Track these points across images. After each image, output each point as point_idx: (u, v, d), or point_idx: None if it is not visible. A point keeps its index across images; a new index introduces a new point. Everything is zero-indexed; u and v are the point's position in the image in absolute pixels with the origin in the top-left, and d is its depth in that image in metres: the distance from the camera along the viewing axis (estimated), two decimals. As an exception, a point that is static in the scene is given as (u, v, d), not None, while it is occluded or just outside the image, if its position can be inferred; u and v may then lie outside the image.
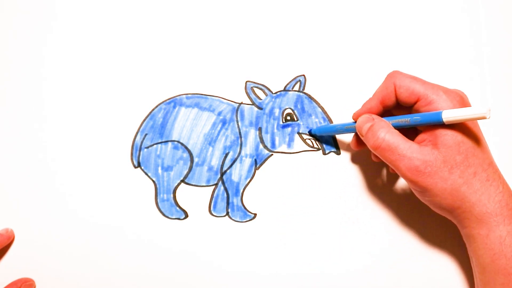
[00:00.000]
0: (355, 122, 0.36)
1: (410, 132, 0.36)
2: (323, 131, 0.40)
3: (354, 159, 0.41)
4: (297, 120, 0.42)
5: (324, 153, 0.41)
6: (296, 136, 0.41)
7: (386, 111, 0.36)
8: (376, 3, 0.44)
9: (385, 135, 0.33)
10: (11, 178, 0.41)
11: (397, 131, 0.33)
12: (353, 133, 0.38)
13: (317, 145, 0.41)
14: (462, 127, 0.32)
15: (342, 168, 0.41)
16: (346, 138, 0.42)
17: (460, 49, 0.43)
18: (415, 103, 0.33)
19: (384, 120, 0.34)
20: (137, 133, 0.42)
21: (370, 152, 0.41)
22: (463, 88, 0.42)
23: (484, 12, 0.44)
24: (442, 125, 0.31)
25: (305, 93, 0.42)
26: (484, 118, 0.29)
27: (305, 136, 0.41)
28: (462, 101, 0.32)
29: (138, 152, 0.41)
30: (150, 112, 0.42)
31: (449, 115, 0.30)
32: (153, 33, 0.44)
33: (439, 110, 0.31)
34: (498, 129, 0.42)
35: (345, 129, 0.38)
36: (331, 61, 0.43)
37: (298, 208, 0.40)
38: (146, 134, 0.42)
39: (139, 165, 0.41)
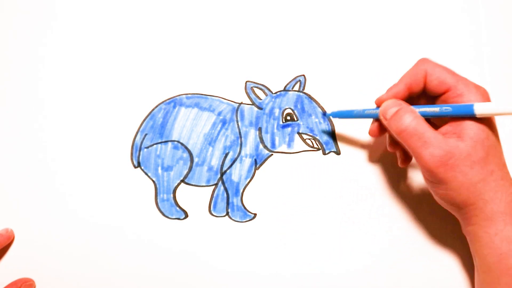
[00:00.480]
0: (378, 107, 0.35)
1: (432, 125, 0.35)
2: (341, 115, 0.39)
3: (354, 159, 0.41)
4: (297, 120, 0.42)
5: (324, 153, 0.41)
6: (296, 136, 0.41)
7: (410, 99, 0.35)
8: (376, 3, 0.44)
9: (411, 120, 0.32)
10: (11, 178, 0.41)
11: (423, 119, 0.32)
12: (372, 119, 0.37)
13: (317, 145, 0.41)
14: (488, 123, 0.32)
15: (342, 168, 0.41)
16: (346, 138, 0.42)
17: (460, 49, 0.43)
18: (443, 93, 0.33)
19: (410, 106, 0.33)
20: (137, 133, 0.42)
21: (370, 152, 0.41)
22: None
23: (484, 12, 0.44)
24: (471, 118, 0.31)
25: (305, 93, 0.42)
26: None
27: (305, 136, 0.41)
28: (488, 98, 0.32)
29: (138, 152, 0.41)
30: (150, 112, 0.42)
31: (481, 108, 0.30)
32: (153, 33, 0.44)
33: (470, 103, 0.31)
34: (498, 129, 0.42)
35: (365, 114, 0.37)
36: (331, 61, 0.43)
37: (298, 208, 0.40)
38: (146, 134, 0.42)
39: (139, 165, 0.41)
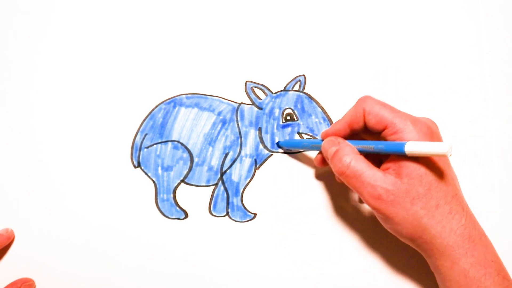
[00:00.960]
0: (322, 140, 0.36)
1: (377, 157, 0.36)
2: (290, 145, 0.40)
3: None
4: (297, 120, 0.42)
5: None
6: (296, 136, 0.41)
7: (355, 134, 0.36)
8: (376, 3, 0.44)
9: (350, 161, 0.32)
10: (11, 178, 0.41)
11: (362, 157, 0.33)
12: (318, 151, 0.38)
13: (317, 145, 0.41)
14: (426, 160, 0.31)
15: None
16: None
17: (460, 49, 0.43)
18: (383, 130, 0.33)
19: (349, 144, 0.34)
20: (137, 133, 0.42)
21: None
22: (463, 88, 0.43)
23: (484, 12, 0.44)
24: (406, 156, 0.31)
25: (305, 93, 0.42)
26: (445, 155, 0.29)
27: (305, 136, 0.41)
28: (430, 132, 0.32)
29: (138, 152, 0.41)
30: (150, 112, 0.42)
31: (411, 148, 0.30)
32: (153, 33, 0.44)
33: (405, 140, 0.31)
34: (498, 129, 0.42)
35: (311, 147, 0.38)
36: (331, 61, 0.43)
37: (298, 208, 0.40)
38: (146, 134, 0.42)
39: (139, 165, 0.41)
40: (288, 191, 0.41)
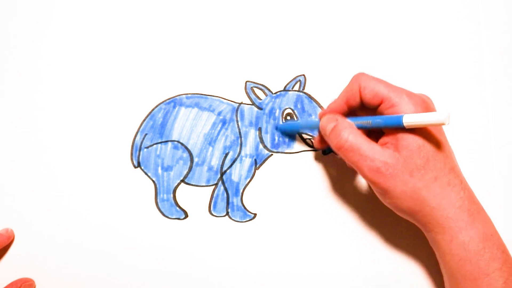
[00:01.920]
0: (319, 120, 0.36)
1: (374, 133, 0.36)
2: (289, 128, 0.41)
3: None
4: (297, 120, 0.42)
5: (324, 153, 0.41)
6: (296, 136, 0.41)
7: (351, 112, 0.36)
8: (376, 3, 0.44)
9: (348, 135, 0.33)
10: (11, 178, 0.41)
11: (360, 132, 0.33)
12: (318, 132, 0.38)
13: (317, 145, 0.41)
14: (423, 131, 0.32)
15: (342, 168, 0.41)
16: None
17: (460, 49, 0.43)
18: (379, 105, 0.33)
19: (347, 120, 0.34)
20: (137, 133, 0.42)
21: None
22: (463, 89, 0.43)
23: (484, 12, 0.44)
24: (403, 128, 0.31)
25: (305, 93, 0.42)
26: (443, 124, 0.29)
27: (305, 136, 0.41)
28: (425, 105, 0.32)
29: (138, 152, 0.41)
30: (150, 112, 0.42)
31: (409, 119, 0.30)
32: (153, 33, 0.44)
33: (401, 113, 0.31)
34: (498, 129, 0.42)
35: (310, 128, 0.38)
36: (331, 61, 0.43)
37: (298, 208, 0.40)
38: (146, 134, 0.42)
39: (139, 165, 0.41)
40: (288, 191, 0.41)
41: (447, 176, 0.31)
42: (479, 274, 0.30)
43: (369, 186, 0.41)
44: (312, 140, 0.41)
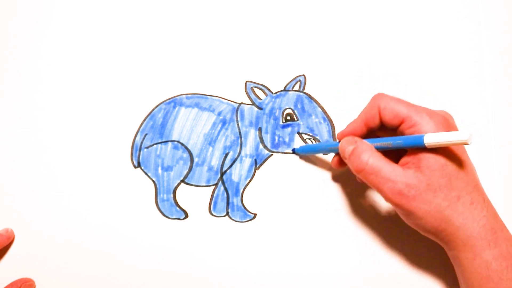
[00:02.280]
0: (339, 142, 0.36)
1: (394, 154, 0.35)
2: (307, 150, 0.40)
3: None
4: (297, 120, 0.42)
5: (324, 153, 0.41)
6: (296, 136, 0.41)
7: (371, 132, 0.36)
8: (376, 4, 0.44)
9: (368, 158, 0.32)
10: (11, 178, 0.41)
11: (380, 154, 0.33)
12: (335, 153, 0.38)
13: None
14: (445, 150, 0.31)
15: (343, 169, 0.41)
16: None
17: (460, 49, 0.43)
18: (399, 125, 0.33)
19: (366, 142, 0.34)
20: (137, 133, 0.42)
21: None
22: (463, 89, 0.43)
23: (484, 12, 0.44)
24: (425, 148, 0.31)
25: (305, 93, 0.42)
26: (465, 143, 0.28)
27: (305, 136, 0.41)
28: (446, 123, 0.32)
29: (138, 152, 0.41)
30: (150, 112, 0.42)
31: (430, 139, 0.30)
32: (153, 33, 0.44)
33: (422, 133, 0.31)
34: (498, 129, 0.42)
35: (328, 150, 0.38)
36: (331, 61, 0.43)
37: (298, 208, 0.40)
38: (146, 134, 0.42)
39: (139, 165, 0.41)
40: (288, 191, 0.41)
41: (470, 195, 0.31)
42: None
43: (369, 187, 0.41)
44: (312, 140, 0.41)
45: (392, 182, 0.31)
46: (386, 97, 0.34)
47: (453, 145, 0.30)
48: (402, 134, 0.33)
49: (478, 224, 0.31)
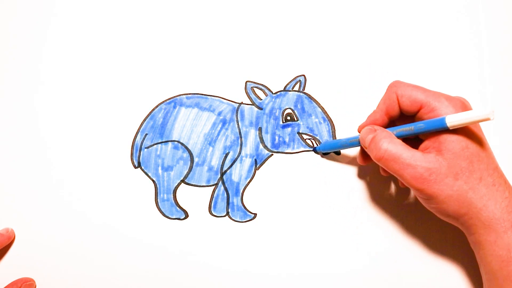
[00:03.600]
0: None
1: (414, 141, 0.35)
2: (328, 147, 0.40)
3: (354, 159, 0.41)
4: (297, 120, 0.42)
5: (324, 153, 0.41)
6: (296, 136, 0.41)
7: (391, 122, 0.36)
8: (376, 3, 0.44)
9: (387, 145, 0.32)
10: (11, 178, 0.41)
11: (399, 141, 0.33)
12: (359, 148, 0.38)
13: (317, 145, 0.41)
14: (466, 132, 0.31)
15: (342, 168, 0.41)
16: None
17: (460, 49, 0.43)
18: (418, 111, 0.33)
19: (386, 130, 0.34)
20: (137, 133, 0.42)
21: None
22: (463, 89, 0.43)
23: (484, 12, 0.44)
24: (446, 131, 0.31)
25: (305, 93, 0.42)
26: (488, 119, 0.28)
27: (305, 136, 0.41)
28: (464, 106, 0.32)
29: (138, 152, 0.41)
30: (150, 112, 0.42)
31: (452, 119, 0.30)
32: (153, 33, 0.44)
33: (442, 116, 0.31)
34: (498, 129, 0.42)
35: (349, 143, 0.38)
36: (331, 61, 0.43)
37: (298, 208, 0.40)
38: (146, 134, 0.42)
39: (139, 165, 0.41)
40: (288, 191, 0.41)
41: (491, 176, 0.31)
42: None
43: (370, 185, 0.41)
44: (312, 140, 0.41)
45: (412, 167, 0.31)
46: (403, 84, 0.34)
47: (476, 122, 0.30)
48: (421, 120, 0.33)
49: (500, 206, 0.31)
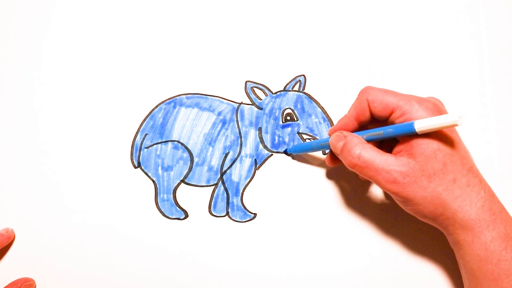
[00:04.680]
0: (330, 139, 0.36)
1: (387, 145, 0.36)
2: (299, 149, 0.40)
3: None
4: (297, 120, 0.42)
5: (324, 153, 0.41)
6: (296, 136, 0.41)
7: (362, 127, 0.36)
8: (376, 3, 0.44)
9: (360, 152, 0.32)
10: (11, 178, 0.41)
11: (371, 146, 0.33)
12: (328, 150, 0.38)
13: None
14: (437, 135, 0.31)
15: (342, 168, 0.41)
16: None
17: (460, 49, 0.43)
18: (390, 115, 0.33)
19: (356, 136, 0.34)
20: (137, 133, 0.42)
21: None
22: (463, 89, 0.43)
23: (484, 12, 0.44)
24: (416, 135, 0.31)
25: (305, 93, 0.42)
26: (455, 125, 0.29)
27: (305, 136, 0.41)
28: (436, 109, 0.32)
29: (138, 152, 0.41)
30: (150, 112, 0.42)
31: (421, 125, 0.30)
32: (153, 33, 0.44)
33: (413, 120, 0.31)
34: (498, 129, 0.42)
35: (320, 146, 0.38)
36: (331, 61, 0.43)
37: (298, 208, 0.40)
38: (146, 134, 0.42)
39: (139, 165, 0.41)
40: (288, 191, 0.41)
41: (466, 177, 0.31)
42: (500, 274, 0.30)
43: (368, 186, 0.41)
44: (311, 140, 0.41)
45: (386, 172, 0.31)
46: (374, 89, 0.34)
47: (444, 128, 0.30)
48: (393, 123, 0.33)
49: (475, 206, 0.31)
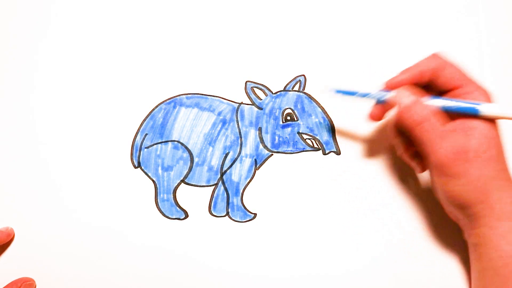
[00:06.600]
0: (386, 91, 0.35)
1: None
2: (349, 93, 0.37)
3: (354, 159, 0.41)
4: (297, 120, 0.42)
5: (324, 153, 0.41)
6: (296, 136, 0.41)
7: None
8: (376, 3, 0.44)
9: (428, 113, 0.32)
10: (11, 178, 0.41)
11: (440, 113, 0.33)
12: (374, 103, 0.37)
13: (317, 145, 0.41)
14: (495, 124, 0.32)
15: (342, 168, 0.41)
16: (346, 138, 0.42)
17: (460, 49, 0.43)
18: (451, 89, 0.33)
19: (425, 98, 0.33)
20: (137, 133, 0.42)
21: (370, 152, 0.41)
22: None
23: (484, 12, 0.44)
24: (477, 117, 0.31)
25: (305, 93, 0.42)
26: None
27: (305, 136, 0.41)
28: (491, 99, 0.33)
29: (138, 152, 0.41)
30: (150, 112, 0.42)
31: (488, 109, 0.31)
32: (153, 33, 0.44)
33: (476, 101, 0.31)
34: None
35: (371, 95, 0.36)
36: (331, 61, 0.43)
37: (298, 208, 0.40)
38: (146, 134, 0.42)
39: (139, 165, 0.41)
40: (288, 191, 0.41)
41: (506, 172, 0.32)
42: None
43: (369, 186, 0.41)
44: (312, 140, 0.41)
45: (449, 140, 0.31)
46: (447, 59, 0.34)
47: (506, 119, 0.31)
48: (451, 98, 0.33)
49: (509, 202, 0.31)
